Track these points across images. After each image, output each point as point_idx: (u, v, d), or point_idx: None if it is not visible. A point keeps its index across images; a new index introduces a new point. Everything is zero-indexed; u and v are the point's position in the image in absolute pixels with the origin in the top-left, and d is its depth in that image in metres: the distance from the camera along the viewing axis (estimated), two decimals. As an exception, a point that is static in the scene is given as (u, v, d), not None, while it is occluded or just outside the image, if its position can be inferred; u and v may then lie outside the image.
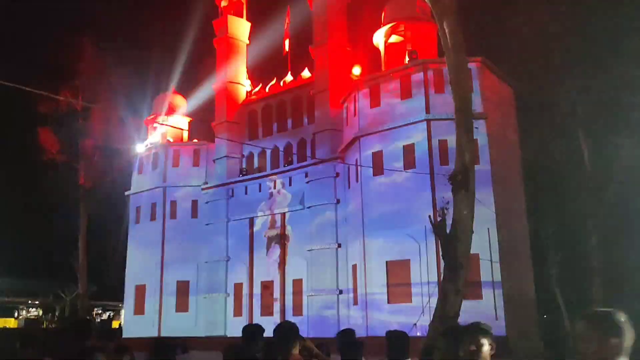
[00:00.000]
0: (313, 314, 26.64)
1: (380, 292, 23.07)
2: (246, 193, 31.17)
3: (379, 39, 27.92)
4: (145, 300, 32.70)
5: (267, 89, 32.72)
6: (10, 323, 44.08)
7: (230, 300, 30.63)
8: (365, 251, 23.90)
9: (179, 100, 36.54)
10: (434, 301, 14.76)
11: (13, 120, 40.00)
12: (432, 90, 23.57)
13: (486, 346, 3.15)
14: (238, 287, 30.48)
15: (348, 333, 5.38)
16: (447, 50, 13.43)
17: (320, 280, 26.77)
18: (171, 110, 35.93)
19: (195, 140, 35.30)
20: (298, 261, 28.33)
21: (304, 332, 4.32)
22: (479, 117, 19.45)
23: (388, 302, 22.83)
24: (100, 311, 52.81)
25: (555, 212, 27.37)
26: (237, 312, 30.08)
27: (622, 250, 25.81)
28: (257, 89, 33.36)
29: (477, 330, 3.22)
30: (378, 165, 23.91)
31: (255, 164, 31.92)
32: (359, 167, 24.64)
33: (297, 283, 28.29)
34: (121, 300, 37.76)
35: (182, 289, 32.00)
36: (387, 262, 23.14)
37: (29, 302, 49.35)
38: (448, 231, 12.96)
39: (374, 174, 24.13)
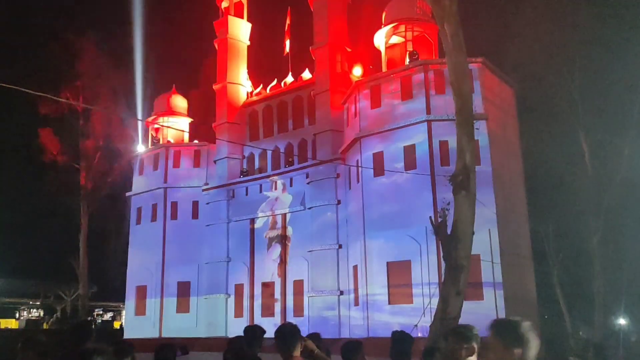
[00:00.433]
0: (314, 314, 26.62)
1: (381, 293, 23.07)
2: (247, 194, 31.17)
3: (379, 39, 27.91)
4: (146, 301, 32.70)
5: (267, 90, 32.68)
6: (12, 324, 44.02)
7: (231, 301, 30.61)
8: (366, 252, 23.90)
9: (180, 101, 36.58)
10: (434, 302, 14.74)
11: (14, 122, 40.10)
12: (433, 91, 23.58)
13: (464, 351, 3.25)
14: (239, 288, 30.47)
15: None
16: (447, 51, 13.44)
17: (321, 281, 26.76)
18: (172, 111, 35.96)
19: (195, 141, 35.26)
20: (299, 262, 28.32)
21: (304, 333, 4.32)
22: (479, 117, 19.41)
23: (389, 303, 22.84)
24: (101, 312, 52.80)
25: (556, 213, 27.35)
26: (238, 313, 30.07)
27: (623, 251, 25.84)
28: (257, 89, 33.31)
29: (456, 335, 3.33)
30: (379, 166, 23.91)
31: (256, 165, 31.89)
32: (359, 168, 24.65)
33: (298, 284, 28.28)
34: (122, 301, 37.78)
35: (183, 290, 31.99)
36: (387, 263, 23.14)
37: (30, 303, 49.25)
38: (449, 232, 12.97)
39: (375, 175, 24.13)
